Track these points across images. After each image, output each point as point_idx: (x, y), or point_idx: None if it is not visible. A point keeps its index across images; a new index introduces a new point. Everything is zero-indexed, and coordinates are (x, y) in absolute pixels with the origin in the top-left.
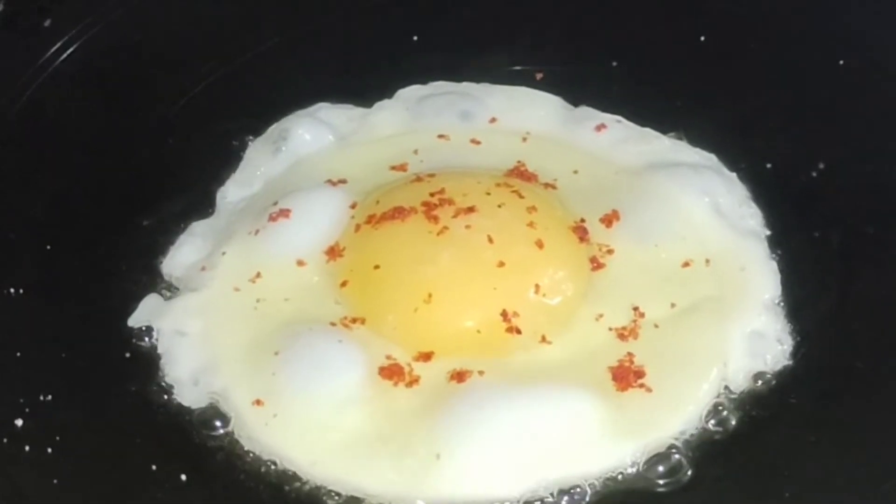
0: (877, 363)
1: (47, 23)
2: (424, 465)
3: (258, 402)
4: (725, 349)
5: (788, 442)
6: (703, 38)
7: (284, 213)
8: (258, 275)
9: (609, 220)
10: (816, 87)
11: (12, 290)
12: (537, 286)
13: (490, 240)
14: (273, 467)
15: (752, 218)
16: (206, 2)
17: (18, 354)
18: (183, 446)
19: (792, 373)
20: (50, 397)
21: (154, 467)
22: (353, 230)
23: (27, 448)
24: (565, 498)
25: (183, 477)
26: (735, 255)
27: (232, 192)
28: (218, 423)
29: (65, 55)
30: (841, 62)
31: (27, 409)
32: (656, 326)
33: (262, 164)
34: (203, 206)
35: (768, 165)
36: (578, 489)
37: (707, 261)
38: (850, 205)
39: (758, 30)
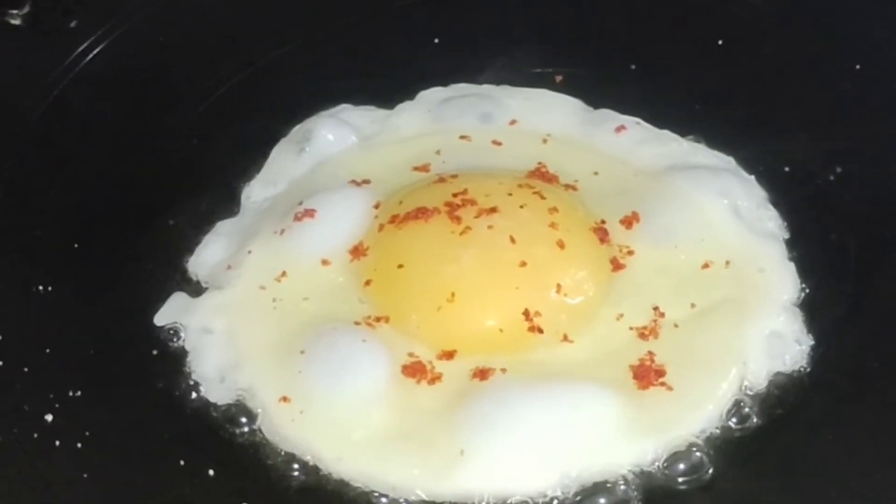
0: (893, 362)
1: (73, 24)
2: (448, 462)
3: (285, 399)
4: (745, 349)
5: (806, 441)
6: (720, 42)
7: (309, 212)
8: (283, 274)
9: (629, 221)
10: (834, 90)
11: (41, 288)
12: (559, 286)
13: (512, 240)
14: (299, 462)
15: (770, 220)
16: (231, 3)
17: (48, 351)
18: (210, 442)
19: (810, 373)
20: (79, 393)
21: (182, 462)
22: (377, 230)
23: (57, 443)
24: (586, 494)
25: (210, 472)
26: (754, 256)
27: (257, 192)
28: (244, 420)
29: (90, 56)
30: (858, 66)
31: (57, 405)
32: (676, 326)
33: (286, 164)
34: (228, 205)
35: (786, 168)
36: (600, 486)
37: (727, 262)
38: (867, 208)
39: (775, 33)
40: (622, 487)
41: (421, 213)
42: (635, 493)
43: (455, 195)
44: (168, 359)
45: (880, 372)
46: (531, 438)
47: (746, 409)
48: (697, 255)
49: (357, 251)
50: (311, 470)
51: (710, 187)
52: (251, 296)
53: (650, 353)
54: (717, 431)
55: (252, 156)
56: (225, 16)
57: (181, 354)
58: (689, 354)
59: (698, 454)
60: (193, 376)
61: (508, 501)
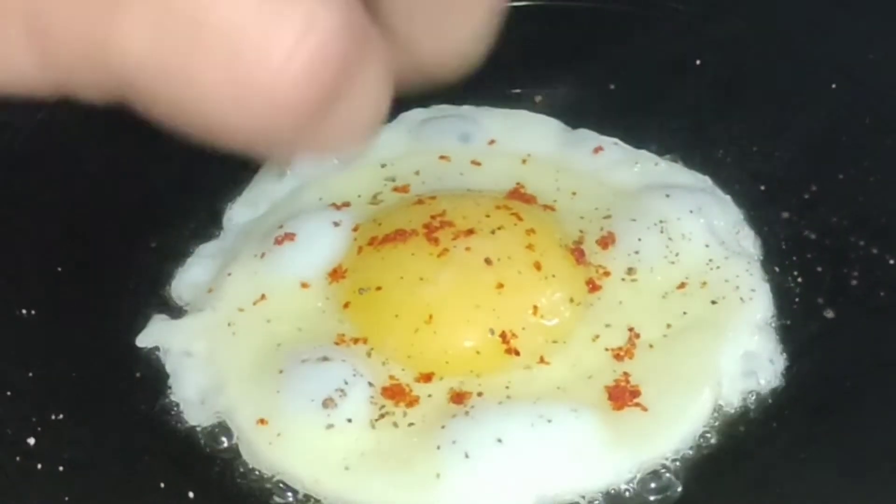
0: (865, 382)
1: None
2: (425, 485)
3: (262, 422)
4: (719, 369)
5: (780, 460)
6: (698, 62)
7: (289, 236)
8: (263, 297)
9: (605, 242)
10: (809, 110)
11: (24, 311)
12: (535, 308)
13: (489, 262)
14: (278, 485)
15: (745, 239)
16: None
17: (30, 374)
18: (190, 464)
19: (784, 392)
20: (61, 416)
21: (162, 485)
22: (356, 252)
23: (39, 466)
24: None
25: (190, 494)
26: (729, 276)
27: (238, 215)
28: (225, 442)
29: None
30: (833, 86)
31: (39, 429)
32: (651, 347)
33: (267, 187)
34: (210, 228)
35: (762, 187)
36: None
37: (703, 283)
38: (842, 226)
39: (752, 55)
40: None
41: (399, 235)
42: None
43: (433, 217)
44: (149, 381)
45: (853, 391)
46: (507, 461)
47: (721, 429)
48: (673, 275)
49: (336, 274)
50: (290, 492)
51: (687, 207)
52: (231, 318)
53: (625, 373)
54: (692, 451)
55: (234, 178)
56: None
57: (163, 377)
58: (663, 375)
59: (673, 474)
60: (174, 399)
61: None
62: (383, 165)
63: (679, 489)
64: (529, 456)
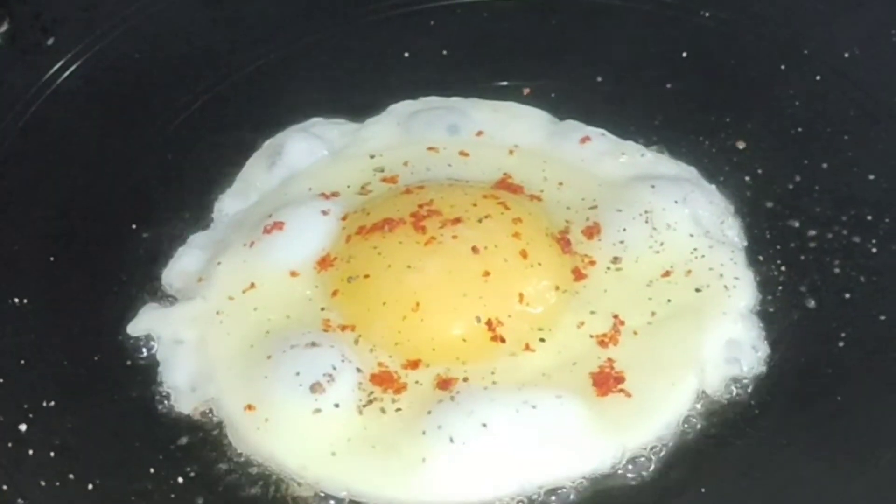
0: (847, 370)
1: (50, 41)
2: (411, 469)
3: (250, 408)
4: (703, 356)
5: (763, 445)
6: (684, 55)
7: (278, 225)
8: (252, 285)
9: (591, 232)
10: (794, 102)
11: (17, 300)
12: (521, 296)
13: (475, 250)
14: (266, 470)
15: (730, 229)
16: (204, 22)
17: (22, 362)
18: (180, 450)
19: (766, 379)
20: (52, 403)
21: (152, 470)
22: (344, 241)
23: (30, 452)
24: (549, 499)
25: (180, 480)
26: (714, 264)
27: (229, 205)
28: (214, 429)
29: (67, 73)
30: (818, 78)
31: (30, 415)
32: (636, 334)
33: (257, 177)
34: (201, 218)
35: (746, 178)
36: (561, 491)
37: (687, 271)
38: (825, 216)
39: (738, 46)
40: (582, 492)
41: (386, 223)
42: (595, 497)
43: (420, 206)
44: (140, 369)
45: (835, 378)
46: (492, 446)
47: (704, 415)
48: (658, 263)
49: (324, 262)
50: (277, 478)
51: (672, 197)
52: (220, 307)
53: (610, 360)
54: (675, 437)
55: (225, 169)
56: (199, 33)
57: (153, 365)
58: (647, 361)
59: (656, 460)
60: (165, 386)
61: None
62: (372, 156)
63: (662, 475)
64: (514, 441)
